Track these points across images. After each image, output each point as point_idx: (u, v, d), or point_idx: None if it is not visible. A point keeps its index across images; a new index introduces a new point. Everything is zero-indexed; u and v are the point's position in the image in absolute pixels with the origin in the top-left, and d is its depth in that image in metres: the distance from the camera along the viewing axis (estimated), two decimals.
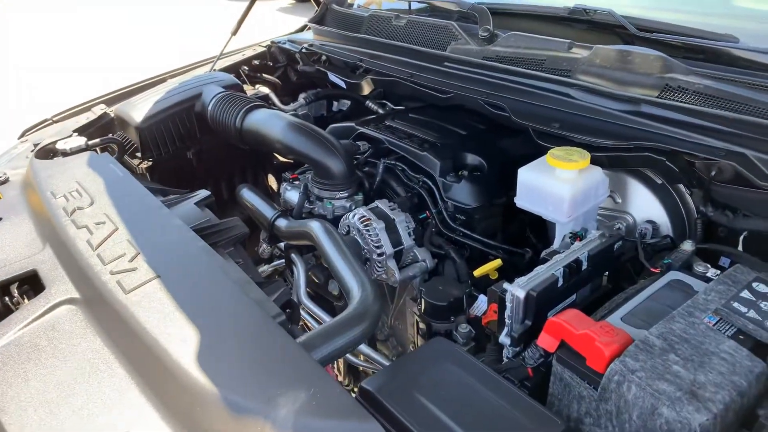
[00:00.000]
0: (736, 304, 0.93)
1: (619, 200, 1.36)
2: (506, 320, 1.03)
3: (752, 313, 0.92)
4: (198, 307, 0.93)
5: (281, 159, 2.22)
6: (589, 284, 1.14)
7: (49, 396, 0.85)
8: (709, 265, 1.07)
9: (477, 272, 1.37)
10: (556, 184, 1.20)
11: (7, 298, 1.12)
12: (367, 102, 2.04)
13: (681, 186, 1.29)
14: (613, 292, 1.07)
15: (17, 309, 1.05)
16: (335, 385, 0.77)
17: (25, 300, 1.10)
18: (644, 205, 1.33)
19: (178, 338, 0.86)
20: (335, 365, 1.63)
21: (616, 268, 1.19)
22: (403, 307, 1.57)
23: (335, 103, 2.28)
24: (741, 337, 0.89)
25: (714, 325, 0.90)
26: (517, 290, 1.00)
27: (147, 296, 0.95)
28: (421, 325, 1.33)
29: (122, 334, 0.92)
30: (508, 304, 1.01)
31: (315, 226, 1.29)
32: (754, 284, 0.98)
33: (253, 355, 0.85)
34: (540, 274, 1.04)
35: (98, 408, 0.82)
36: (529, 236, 1.62)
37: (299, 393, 0.75)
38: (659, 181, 1.31)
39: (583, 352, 0.89)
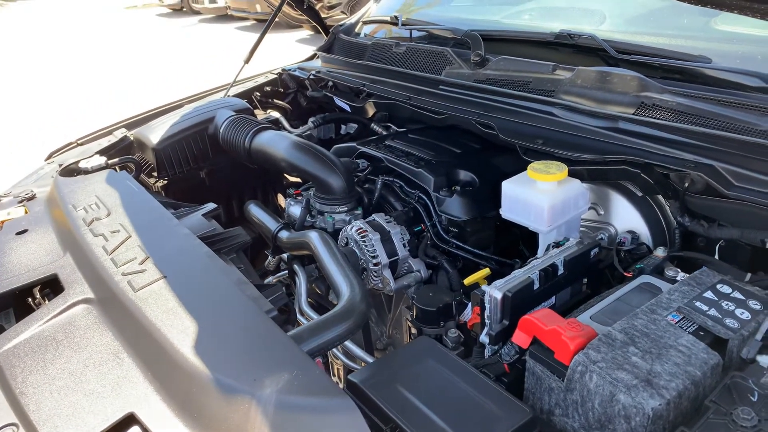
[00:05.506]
0: (698, 303, 0.99)
1: (602, 212, 1.43)
2: (486, 320, 1.10)
3: (713, 312, 0.98)
4: (198, 303, 1.02)
5: (290, 179, 2.33)
6: (569, 289, 1.21)
7: (64, 381, 0.94)
8: (679, 270, 1.13)
9: (467, 281, 1.44)
10: (537, 195, 1.28)
11: (30, 300, 1.22)
12: (372, 124, 2.15)
13: (660, 198, 1.35)
14: (592, 297, 1.13)
15: (38, 308, 1.15)
16: (316, 368, 0.85)
17: (46, 301, 1.21)
18: (626, 217, 1.39)
19: (179, 330, 0.95)
20: (336, 373, 1.70)
21: (595, 274, 1.25)
22: (399, 316, 1.64)
23: (343, 126, 2.39)
24: (701, 333, 0.94)
25: (677, 323, 0.96)
26: (494, 291, 1.07)
27: (153, 294, 1.05)
28: (413, 331, 1.40)
29: (130, 327, 1.01)
30: (487, 305, 1.08)
31: (313, 236, 1.39)
32: (719, 286, 1.04)
33: (244, 344, 0.93)
34: (517, 276, 1.11)
35: (107, 391, 0.91)
36: (522, 249, 1.69)
37: (282, 375, 0.83)
38: (639, 194, 1.37)
39: (552, 346, 0.95)
